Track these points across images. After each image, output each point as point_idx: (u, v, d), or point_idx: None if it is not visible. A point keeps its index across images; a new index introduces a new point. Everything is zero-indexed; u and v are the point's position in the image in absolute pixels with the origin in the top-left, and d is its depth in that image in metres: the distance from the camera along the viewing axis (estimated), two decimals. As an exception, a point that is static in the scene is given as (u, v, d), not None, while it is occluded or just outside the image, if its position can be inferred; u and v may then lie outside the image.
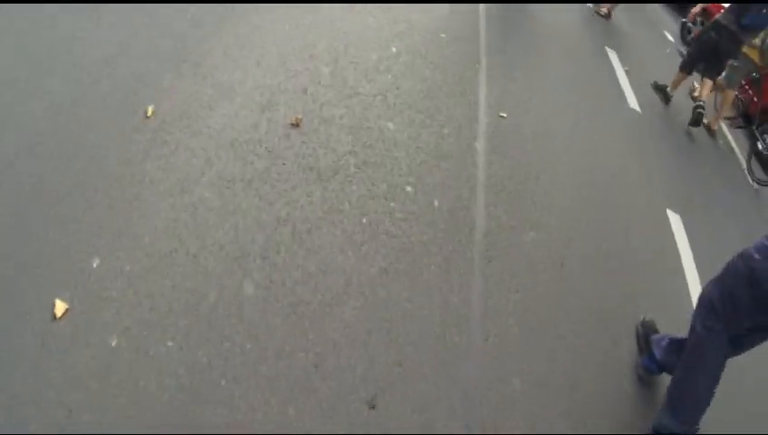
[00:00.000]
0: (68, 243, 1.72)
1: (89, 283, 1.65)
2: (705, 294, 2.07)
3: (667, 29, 7.76)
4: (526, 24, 5.29)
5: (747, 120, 5.91)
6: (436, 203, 2.51)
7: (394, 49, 3.55)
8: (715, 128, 5.39)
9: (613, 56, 5.59)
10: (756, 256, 1.87)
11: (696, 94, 5.34)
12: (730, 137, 5.85)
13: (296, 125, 2.54)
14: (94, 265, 1.69)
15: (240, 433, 1.51)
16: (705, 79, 5.00)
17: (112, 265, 1.71)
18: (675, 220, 3.53)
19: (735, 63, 5.07)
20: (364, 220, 2.23)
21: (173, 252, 1.82)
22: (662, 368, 2.33)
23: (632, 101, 4.89)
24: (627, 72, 5.33)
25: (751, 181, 5.19)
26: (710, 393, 1.99)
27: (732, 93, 5.28)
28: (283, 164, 2.32)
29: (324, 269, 1.98)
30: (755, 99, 5.74)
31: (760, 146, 5.38)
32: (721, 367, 1.99)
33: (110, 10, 2.71)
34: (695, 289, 2.98)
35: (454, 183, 2.69)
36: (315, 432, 1.56)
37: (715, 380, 1.99)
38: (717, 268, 2.06)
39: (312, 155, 2.44)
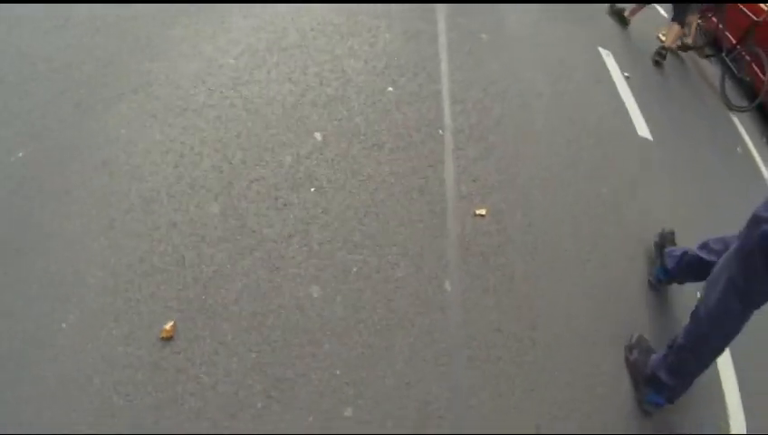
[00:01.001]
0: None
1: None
2: (720, 271, 1.94)
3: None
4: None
5: (715, 48, 6.19)
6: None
7: (318, 136, 2.59)
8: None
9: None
10: (765, 213, 1.77)
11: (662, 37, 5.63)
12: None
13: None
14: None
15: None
16: (673, 23, 5.36)
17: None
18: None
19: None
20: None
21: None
22: (671, 278, 2.54)
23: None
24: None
25: (727, 108, 5.57)
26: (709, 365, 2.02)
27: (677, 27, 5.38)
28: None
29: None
30: (720, 26, 6.00)
31: (735, 71, 5.73)
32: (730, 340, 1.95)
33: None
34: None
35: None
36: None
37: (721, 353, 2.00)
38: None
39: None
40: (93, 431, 1.48)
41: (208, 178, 2.26)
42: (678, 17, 5.37)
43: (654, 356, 2.17)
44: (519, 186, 2.91)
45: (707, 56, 6.31)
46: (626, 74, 4.59)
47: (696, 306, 2.02)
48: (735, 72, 5.82)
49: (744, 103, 5.66)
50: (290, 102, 2.75)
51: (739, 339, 1.95)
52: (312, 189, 2.38)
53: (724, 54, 5.94)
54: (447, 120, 3.11)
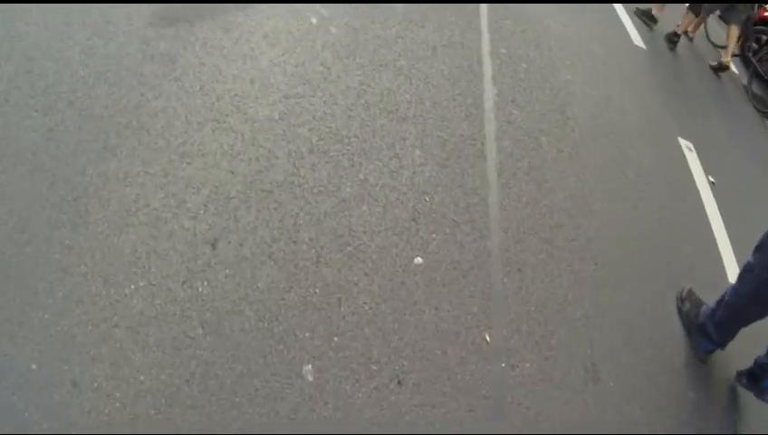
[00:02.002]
0: None
1: None
2: None
3: None
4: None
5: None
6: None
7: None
8: (728, 60, 5.30)
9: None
10: None
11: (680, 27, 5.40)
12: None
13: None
14: None
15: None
16: (689, 11, 5.23)
17: None
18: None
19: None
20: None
21: None
22: (723, 343, 2.33)
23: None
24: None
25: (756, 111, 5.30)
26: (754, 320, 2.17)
27: (736, 29, 5.28)
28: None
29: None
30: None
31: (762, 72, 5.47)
32: None
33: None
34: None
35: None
36: None
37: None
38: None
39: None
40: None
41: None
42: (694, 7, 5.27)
43: (704, 307, 2.35)
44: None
45: (733, 56, 5.96)
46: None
47: (745, 265, 2.15)
48: (763, 73, 5.58)
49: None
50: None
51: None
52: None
53: (750, 54, 5.76)
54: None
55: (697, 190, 3.41)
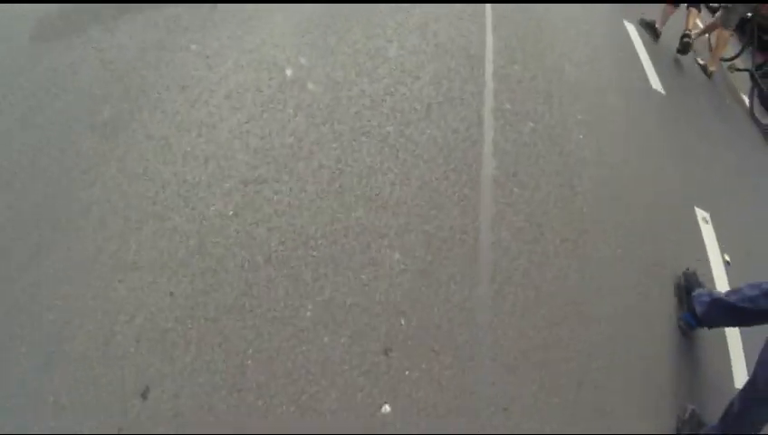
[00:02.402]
0: None
1: None
2: None
3: None
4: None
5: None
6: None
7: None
8: (713, 69, 5.19)
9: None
10: None
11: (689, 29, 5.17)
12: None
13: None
14: None
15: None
16: (690, 8, 5.00)
17: None
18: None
19: (730, 5, 4.99)
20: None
21: None
22: (701, 323, 2.46)
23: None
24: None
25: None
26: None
27: (727, 33, 5.11)
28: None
29: None
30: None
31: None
32: None
33: None
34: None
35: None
36: None
37: None
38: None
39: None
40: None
41: None
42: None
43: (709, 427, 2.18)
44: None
45: (738, 70, 5.75)
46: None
47: (746, 385, 2.06)
48: (765, 89, 5.31)
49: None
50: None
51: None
52: None
53: (753, 69, 5.40)
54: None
55: (710, 271, 3.06)
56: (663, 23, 5.27)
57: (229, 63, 2.57)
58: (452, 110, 2.80)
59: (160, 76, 2.44)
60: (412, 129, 2.60)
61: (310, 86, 2.59)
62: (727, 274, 3.06)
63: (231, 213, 2.05)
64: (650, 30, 5.31)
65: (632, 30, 4.92)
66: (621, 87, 3.81)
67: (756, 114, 5.13)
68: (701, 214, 3.30)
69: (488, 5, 3.79)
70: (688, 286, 2.64)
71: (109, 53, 2.50)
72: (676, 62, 5.05)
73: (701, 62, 5.28)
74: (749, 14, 5.30)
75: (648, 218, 2.98)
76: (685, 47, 4.92)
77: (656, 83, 4.12)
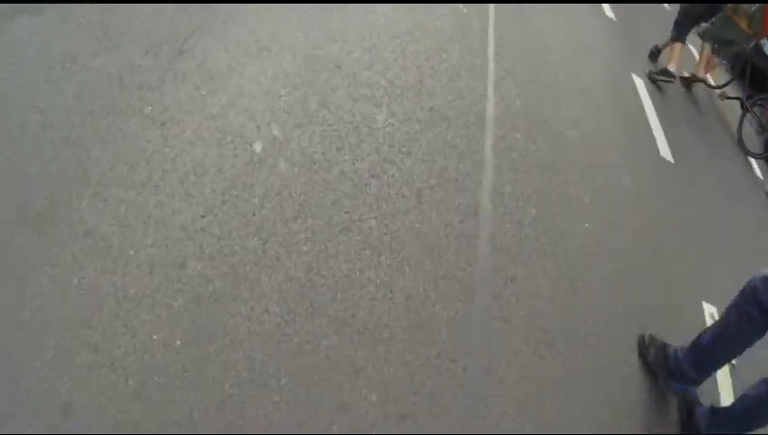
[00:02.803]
0: None
1: None
2: (750, 286, 2.17)
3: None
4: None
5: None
6: None
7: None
8: (701, 76, 5.38)
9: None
10: None
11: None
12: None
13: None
14: None
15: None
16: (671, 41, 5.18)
17: None
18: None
19: (732, 36, 5.24)
20: None
21: None
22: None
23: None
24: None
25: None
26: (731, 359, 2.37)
27: (708, 48, 5.36)
28: None
29: None
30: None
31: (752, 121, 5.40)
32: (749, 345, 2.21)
33: None
34: None
35: None
36: None
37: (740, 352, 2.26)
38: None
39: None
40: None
41: None
42: (679, 34, 5.15)
43: (672, 349, 2.40)
44: None
45: (728, 98, 5.87)
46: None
47: (725, 312, 2.26)
48: (758, 116, 5.45)
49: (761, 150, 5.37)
50: None
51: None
52: None
53: (743, 98, 5.54)
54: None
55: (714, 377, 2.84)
56: (674, 60, 5.03)
57: (187, 133, 2.19)
58: (445, 196, 2.47)
59: (106, 149, 2.05)
60: (398, 223, 2.27)
61: (281, 166, 2.23)
62: (732, 377, 2.85)
63: (178, 343, 1.70)
64: (665, 75, 4.98)
65: (640, 84, 4.65)
66: (629, 159, 3.55)
67: (744, 141, 5.32)
68: (709, 309, 3.07)
69: (492, 60, 3.46)
70: (690, 408, 2.37)
71: (51, 115, 2.11)
72: (685, 116, 4.88)
73: (686, 74, 5.46)
74: (744, 45, 5.39)
75: (651, 319, 2.73)
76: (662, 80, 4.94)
77: (664, 149, 3.87)
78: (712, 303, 3.06)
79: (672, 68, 4.89)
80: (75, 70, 2.28)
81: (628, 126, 3.98)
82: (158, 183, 2.02)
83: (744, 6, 5.09)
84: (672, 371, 2.34)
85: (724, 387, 2.67)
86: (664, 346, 2.44)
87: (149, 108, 2.25)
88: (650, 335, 2.52)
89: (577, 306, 2.48)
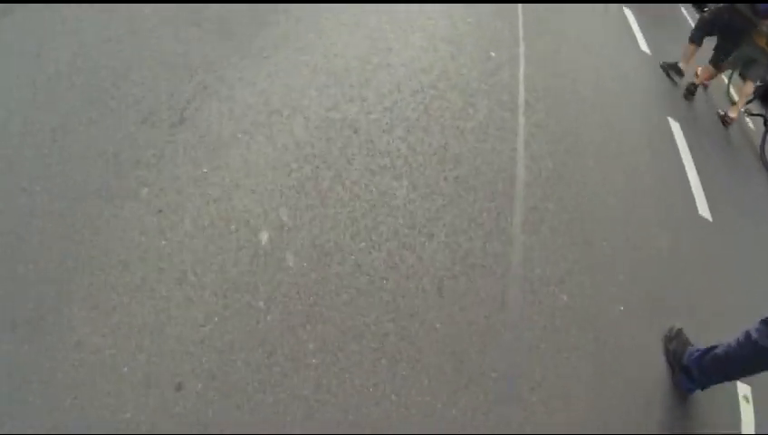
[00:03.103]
0: None
1: None
2: None
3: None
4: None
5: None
6: None
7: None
8: (734, 116, 5.30)
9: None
10: None
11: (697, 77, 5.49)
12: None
13: None
14: None
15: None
16: (710, 65, 5.30)
17: None
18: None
19: (752, 55, 5.18)
20: None
21: None
22: (704, 386, 2.47)
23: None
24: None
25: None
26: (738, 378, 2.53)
27: (751, 85, 5.34)
28: None
29: None
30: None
31: None
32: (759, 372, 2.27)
33: None
34: None
35: None
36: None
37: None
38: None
39: None
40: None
41: None
42: (715, 59, 5.28)
43: (690, 349, 2.49)
44: None
45: (752, 115, 5.99)
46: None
47: (747, 333, 2.24)
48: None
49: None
50: None
51: None
52: None
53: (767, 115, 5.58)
54: None
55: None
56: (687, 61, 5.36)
57: (186, 223, 2.01)
58: (470, 286, 2.26)
59: (98, 243, 1.87)
60: (417, 325, 2.06)
61: (289, 260, 2.04)
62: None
63: None
64: (674, 70, 5.38)
65: (677, 129, 4.37)
66: (667, 223, 3.28)
67: (767, 157, 5.30)
68: (743, 391, 2.83)
69: (521, 114, 3.21)
70: (679, 350, 2.56)
71: (40, 198, 1.93)
72: (723, 161, 4.63)
73: (720, 112, 5.42)
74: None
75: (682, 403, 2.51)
76: (690, 90, 5.27)
77: (702, 207, 3.60)
78: (746, 382, 2.82)
79: (683, 65, 5.34)
80: (66, 144, 2.10)
81: (665, 184, 3.71)
82: (154, 285, 1.84)
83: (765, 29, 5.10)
84: (684, 367, 2.46)
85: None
86: (685, 343, 2.56)
87: (145, 190, 2.07)
88: (678, 329, 2.63)
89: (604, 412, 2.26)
